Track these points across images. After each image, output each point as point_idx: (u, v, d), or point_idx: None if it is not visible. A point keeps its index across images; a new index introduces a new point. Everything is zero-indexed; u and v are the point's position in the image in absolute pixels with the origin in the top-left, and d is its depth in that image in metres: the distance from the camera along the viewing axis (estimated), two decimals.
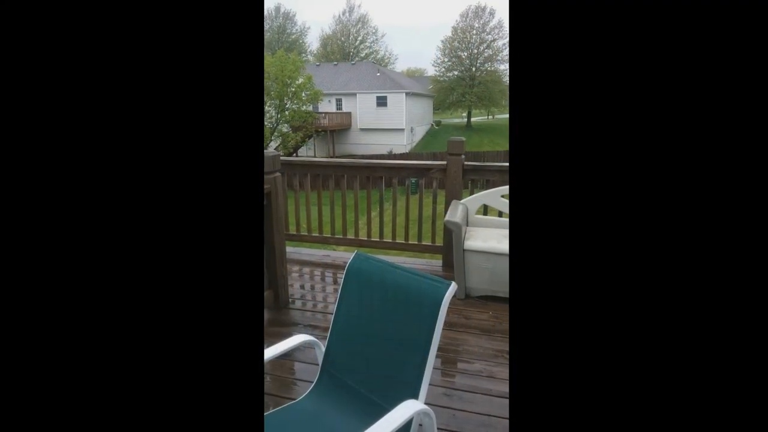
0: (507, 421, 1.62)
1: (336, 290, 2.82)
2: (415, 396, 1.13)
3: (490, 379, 1.86)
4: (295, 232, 3.48)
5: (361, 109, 23.37)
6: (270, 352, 1.24)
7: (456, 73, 29.40)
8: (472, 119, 30.87)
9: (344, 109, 23.65)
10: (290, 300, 2.63)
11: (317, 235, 3.43)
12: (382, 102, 23.11)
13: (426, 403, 1.11)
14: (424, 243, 3.22)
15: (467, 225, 2.86)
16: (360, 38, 39.35)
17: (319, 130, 21.29)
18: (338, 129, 22.82)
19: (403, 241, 3.25)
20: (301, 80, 19.50)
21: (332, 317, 1.38)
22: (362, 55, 38.04)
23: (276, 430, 1.17)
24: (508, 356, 2.03)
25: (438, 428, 1.52)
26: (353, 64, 28.41)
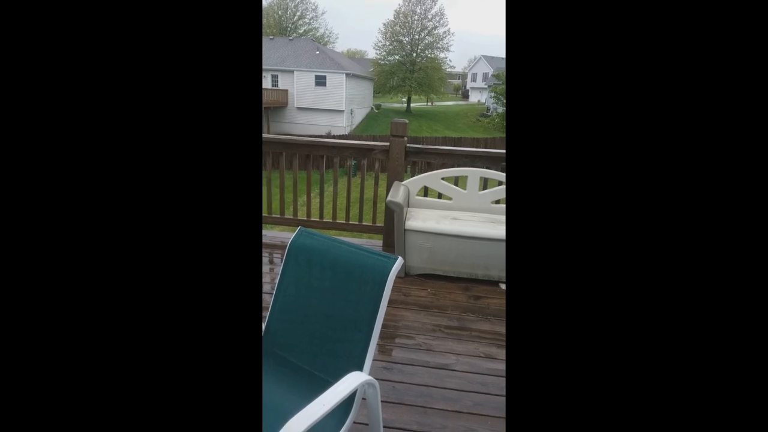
0: (444, 390, 1.70)
1: (272, 270, 2.74)
2: (360, 369, 1.15)
3: (428, 352, 1.94)
4: None
5: (299, 87, 22.60)
6: None
7: (397, 57, 29.41)
8: (412, 105, 31.22)
9: (280, 86, 22.71)
10: None
11: None
12: (321, 81, 22.51)
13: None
14: (364, 223, 3.23)
15: (408, 206, 2.91)
16: (299, 14, 37.75)
17: None
18: (274, 106, 21.91)
19: (344, 221, 3.24)
20: None
21: (272, 296, 1.34)
22: (300, 31, 36.58)
23: None
24: (446, 330, 2.12)
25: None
26: (291, 39, 27.25)
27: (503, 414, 1.59)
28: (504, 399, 1.67)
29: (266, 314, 1.35)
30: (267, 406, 1.19)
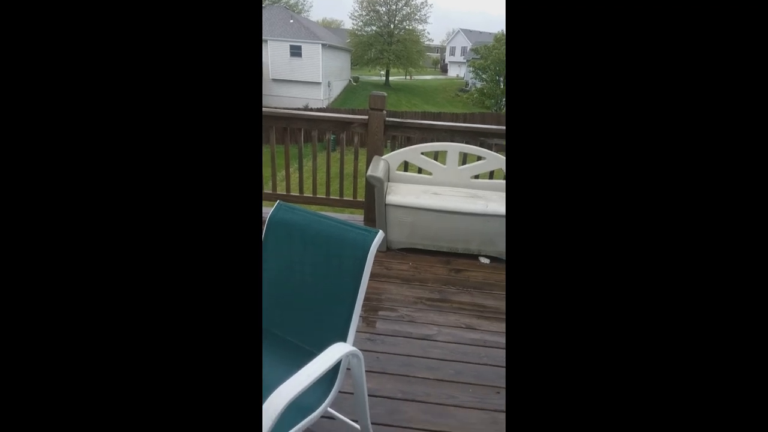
0: (426, 360, 1.75)
1: None
2: (344, 340, 1.16)
3: (410, 324, 1.98)
4: None
5: (274, 58, 21.80)
6: None
7: (374, 28, 28.62)
8: (391, 78, 30.67)
9: None
10: None
11: None
12: (296, 52, 21.76)
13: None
14: (345, 198, 3.21)
15: (389, 180, 2.90)
16: None
17: None
18: None
19: (324, 196, 3.21)
20: None
21: None
22: None
23: None
24: (427, 302, 2.16)
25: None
26: (264, 6, 26.08)
27: (483, 381, 1.65)
28: (484, 367, 1.73)
29: None
30: None
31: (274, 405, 0.84)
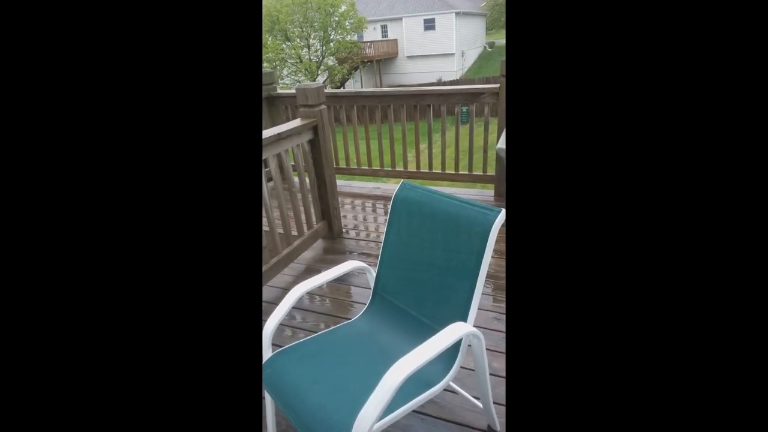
0: None
1: (386, 221, 2.87)
2: (464, 319, 1.16)
3: None
4: (345, 166, 3.51)
5: (408, 34, 21.98)
6: (326, 276, 1.31)
7: None
8: None
9: (390, 36, 22.38)
10: (344, 230, 2.73)
11: (367, 168, 3.44)
12: (429, 25, 21.52)
13: (475, 326, 1.14)
14: (475, 173, 3.13)
15: None
16: None
17: (366, 60, 20.51)
18: (385, 58, 21.83)
19: (453, 172, 3.18)
20: (344, 8, 18.53)
21: (382, 245, 1.42)
22: None
23: (333, 346, 1.27)
24: None
25: (488, 349, 1.57)
26: None
27: None
28: None
29: (377, 261, 1.44)
30: (375, 345, 1.30)
31: (392, 378, 0.90)
